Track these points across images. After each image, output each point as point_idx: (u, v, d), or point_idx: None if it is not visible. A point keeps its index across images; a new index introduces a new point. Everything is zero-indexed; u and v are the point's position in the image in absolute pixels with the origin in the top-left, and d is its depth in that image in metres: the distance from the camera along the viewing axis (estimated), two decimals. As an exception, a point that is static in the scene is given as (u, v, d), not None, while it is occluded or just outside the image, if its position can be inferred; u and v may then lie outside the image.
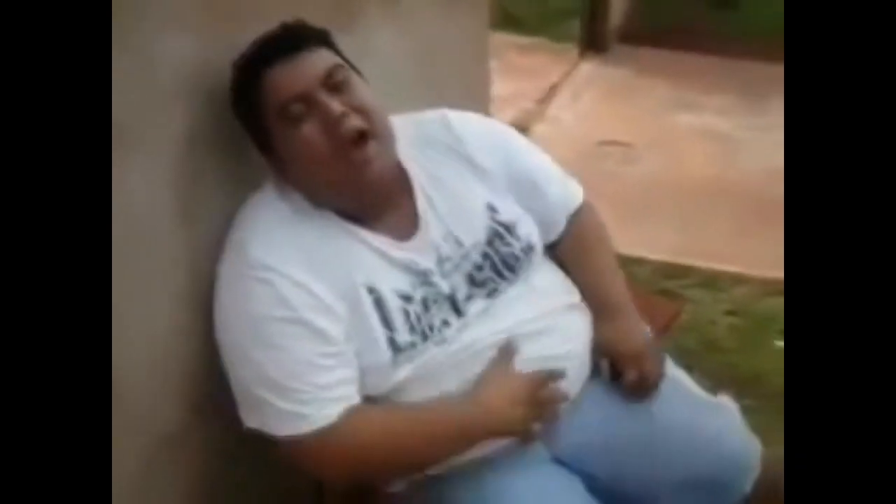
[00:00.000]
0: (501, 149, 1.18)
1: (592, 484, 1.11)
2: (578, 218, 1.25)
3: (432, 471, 1.07)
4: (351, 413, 1.00)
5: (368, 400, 1.04)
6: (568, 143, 3.18)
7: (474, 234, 1.10)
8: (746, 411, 1.66)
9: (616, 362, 1.18)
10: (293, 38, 1.02)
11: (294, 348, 0.98)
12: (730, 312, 2.25)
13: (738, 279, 2.35)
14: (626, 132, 3.23)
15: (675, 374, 1.24)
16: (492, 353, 1.06)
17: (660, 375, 1.18)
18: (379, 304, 1.02)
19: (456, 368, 1.05)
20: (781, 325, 2.20)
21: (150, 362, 1.03)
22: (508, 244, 1.11)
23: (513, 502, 1.04)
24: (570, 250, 1.23)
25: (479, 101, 1.93)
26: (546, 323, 1.11)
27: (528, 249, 1.14)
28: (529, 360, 1.08)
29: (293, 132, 0.99)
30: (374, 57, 1.37)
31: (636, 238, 2.54)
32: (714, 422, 1.19)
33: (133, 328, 0.98)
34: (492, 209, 1.13)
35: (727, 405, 1.25)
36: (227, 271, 1.03)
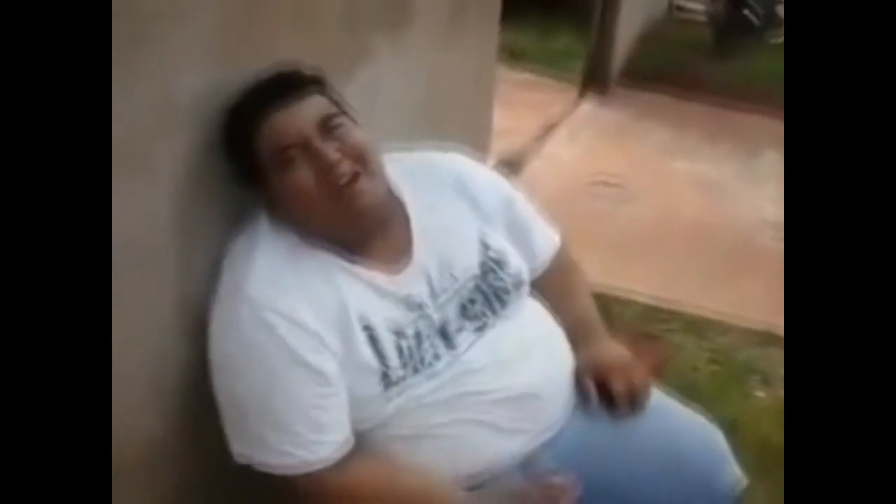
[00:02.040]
0: (499, 192, 1.23)
1: None
2: (559, 256, 1.30)
3: None
4: (347, 455, 1.02)
5: (357, 437, 1.05)
6: (562, 180, 3.21)
7: (468, 268, 1.12)
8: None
9: (602, 377, 1.18)
10: (289, 85, 1.04)
11: (295, 391, 0.99)
12: (712, 360, 2.26)
13: (722, 327, 2.36)
14: (620, 173, 3.25)
15: (656, 393, 1.25)
16: (480, 384, 1.07)
17: (648, 385, 1.19)
18: (373, 339, 1.03)
19: (444, 403, 1.06)
20: (762, 376, 2.20)
21: (142, 378, 1.03)
22: (500, 279, 1.14)
23: None
24: (550, 285, 1.26)
25: (481, 133, 1.95)
26: (530, 353, 1.13)
27: (519, 284, 1.16)
28: (515, 393, 1.08)
29: (288, 176, 1.01)
30: (380, 89, 1.38)
31: (623, 277, 2.55)
32: (702, 429, 1.21)
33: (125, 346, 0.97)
34: (485, 245, 1.15)
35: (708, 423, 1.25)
36: (225, 309, 1.02)
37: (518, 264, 1.18)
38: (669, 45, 4.76)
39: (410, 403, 1.04)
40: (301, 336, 0.99)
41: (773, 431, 2.00)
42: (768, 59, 4.89)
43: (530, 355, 1.12)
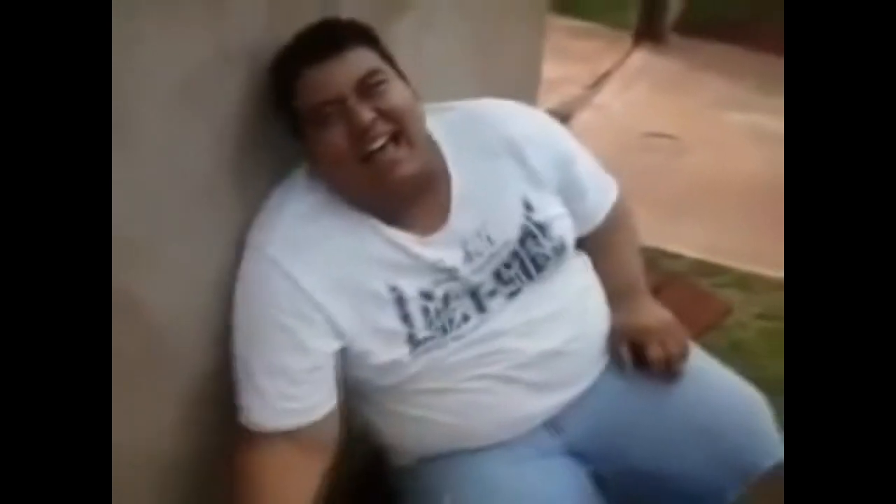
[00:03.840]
0: (555, 151, 1.17)
1: (602, 479, 1.11)
2: (613, 213, 1.26)
3: (441, 450, 1.09)
4: (286, 434, 1.02)
5: (382, 389, 1.06)
6: (613, 132, 3.15)
7: (507, 231, 1.09)
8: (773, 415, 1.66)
9: (638, 341, 1.15)
10: (331, 38, 1.00)
11: (272, 354, 1.01)
12: (761, 316, 2.22)
13: (772, 283, 2.32)
14: (673, 126, 3.18)
15: (699, 358, 1.20)
16: (508, 343, 1.06)
17: (684, 352, 1.15)
18: (400, 302, 1.03)
19: (471, 360, 1.06)
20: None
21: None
22: (540, 244, 1.10)
23: (507, 493, 1.05)
24: (598, 240, 1.23)
25: (530, 83, 1.93)
26: (561, 309, 1.11)
27: (561, 249, 1.13)
28: (543, 351, 1.08)
29: (322, 134, 0.99)
30: (432, 34, 1.37)
31: (674, 232, 2.51)
32: (743, 402, 1.14)
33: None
34: (528, 207, 1.11)
35: (754, 393, 1.18)
36: (246, 256, 1.04)
37: (562, 229, 1.13)
38: (730, -8, 4.57)
39: (437, 363, 1.05)
40: (297, 303, 0.99)
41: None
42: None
43: (561, 317, 1.10)
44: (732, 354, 2.05)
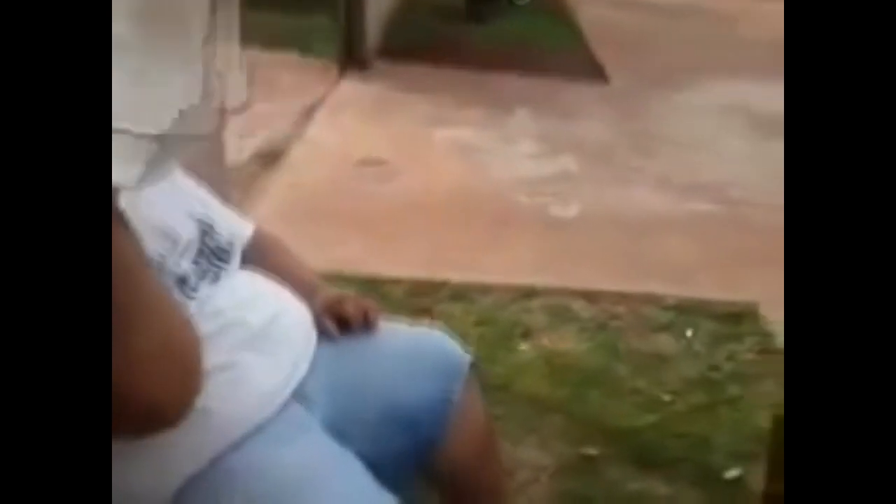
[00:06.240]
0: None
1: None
2: (256, 239, 1.35)
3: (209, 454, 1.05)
4: None
5: None
6: (325, 164, 3.19)
7: (187, 232, 1.16)
8: (498, 419, 1.77)
9: (336, 309, 1.29)
10: None
11: None
12: (479, 322, 2.36)
13: (485, 289, 2.47)
14: (382, 151, 3.28)
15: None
16: (230, 319, 1.11)
17: (375, 307, 1.32)
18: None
19: (211, 336, 1.07)
20: (525, 329, 2.34)
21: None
22: (215, 239, 1.19)
23: (289, 472, 1.05)
24: (262, 263, 1.31)
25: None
26: (263, 292, 1.19)
27: (232, 240, 1.22)
28: (260, 318, 1.13)
29: None
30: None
31: (391, 257, 2.59)
32: (429, 330, 1.39)
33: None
34: (193, 216, 1.20)
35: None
36: None
37: (227, 227, 1.24)
38: (424, 15, 4.85)
39: None
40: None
41: (539, 383, 2.15)
42: (516, 20, 5.16)
43: (264, 295, 1.19)
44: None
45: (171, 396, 0.74)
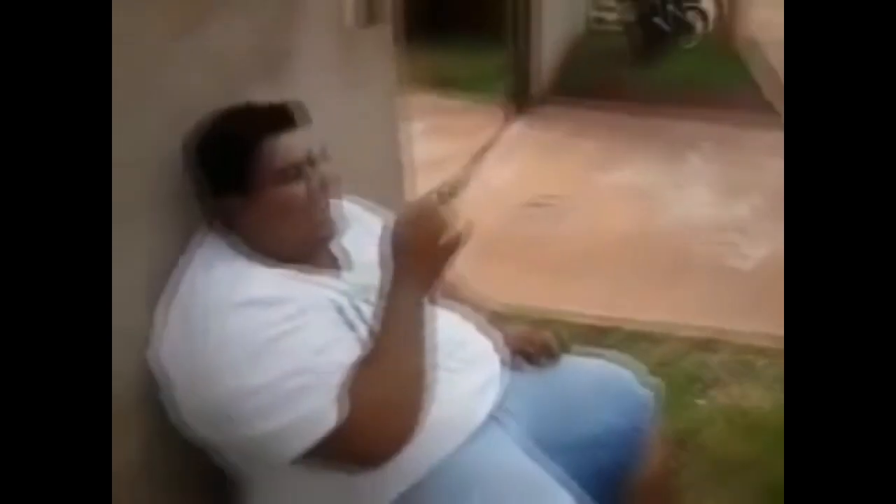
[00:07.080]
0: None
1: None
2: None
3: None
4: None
5: None
6: (496, 205, 3.26)
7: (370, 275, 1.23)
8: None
9: (522, 345, 1.36)
10: (288, 113, 1.17)
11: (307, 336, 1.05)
12: (652, 373, 2.31)
13: (660, 337, 2.42)
14: (551, 192, 3.32)
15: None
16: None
17: (555, 339, 1.38)
18: (340, 311, 1.13)
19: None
20: (703, 384, 2.27)
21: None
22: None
23: (522, 478, 1.11)
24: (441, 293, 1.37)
25: (390, 174, 1.97)
26: (458, 327, 1.26)
27: None
28: (448, 337, 1.18)
29: (289, 189, 1.13)
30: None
31: (563, 298, 2.61)
32: (608, 363, 1.40)
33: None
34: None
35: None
36: (222, 322, 1.04)
37: None
38: (591, 57, 4.87)
39: None
40: (288, 310, 1.06)
41: (721, 440, 2.06)
42: (683, 62, 5.06)
43: (456, 326, 1.26)
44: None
45: (397, 450, 1.04)
